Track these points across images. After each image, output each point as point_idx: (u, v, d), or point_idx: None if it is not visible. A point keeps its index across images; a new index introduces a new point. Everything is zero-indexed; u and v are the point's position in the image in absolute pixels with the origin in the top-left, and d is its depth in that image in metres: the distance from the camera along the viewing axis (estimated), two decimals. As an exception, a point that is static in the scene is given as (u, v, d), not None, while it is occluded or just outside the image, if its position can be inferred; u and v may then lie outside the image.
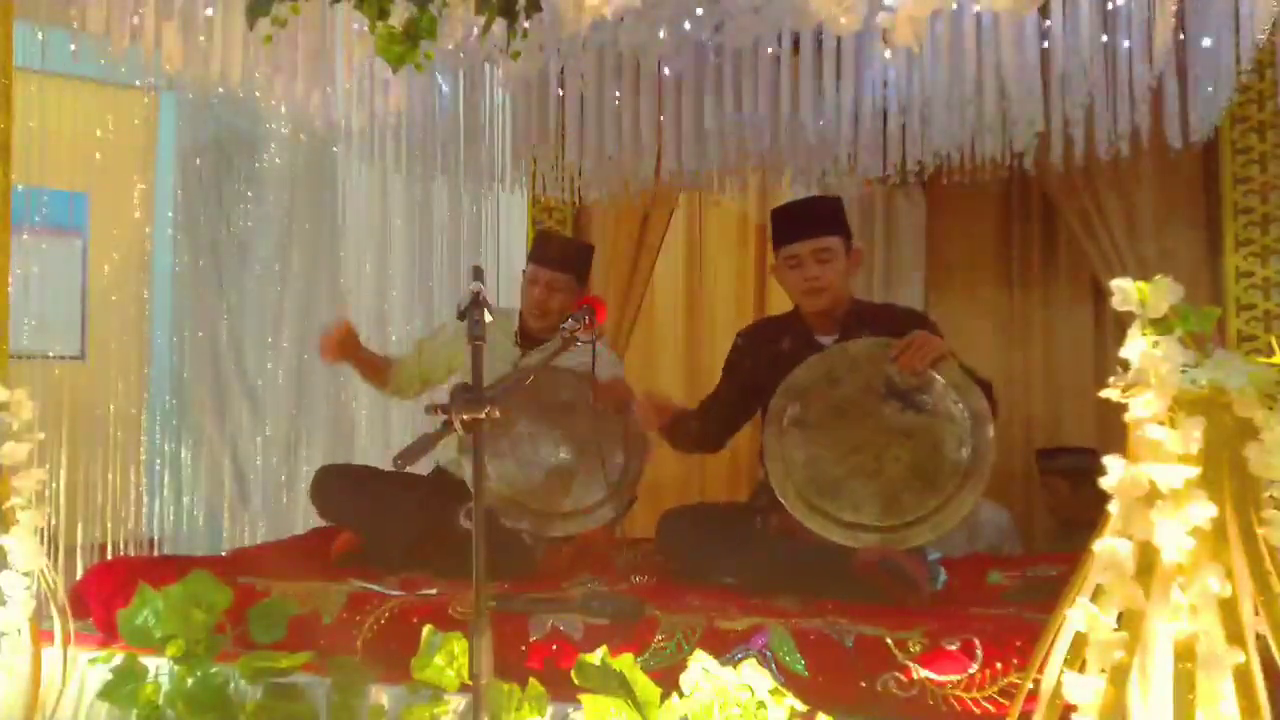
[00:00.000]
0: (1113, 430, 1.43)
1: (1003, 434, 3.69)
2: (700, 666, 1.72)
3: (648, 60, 2.55)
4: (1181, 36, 2.27)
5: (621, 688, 1.73)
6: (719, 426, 2.75)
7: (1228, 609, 1.32)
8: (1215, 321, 1.41)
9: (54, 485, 3.50)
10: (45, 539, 2.08)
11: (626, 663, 1.78)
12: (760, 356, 2.67)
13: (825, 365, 2.46)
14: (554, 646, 1.99)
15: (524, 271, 2.93)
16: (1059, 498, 3.44)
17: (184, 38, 2.11)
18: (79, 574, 3.13)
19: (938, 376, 2.34)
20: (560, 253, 2.90)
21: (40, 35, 2.55)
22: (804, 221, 2.59)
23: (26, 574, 1.99)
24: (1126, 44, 2.21)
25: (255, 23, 1.96)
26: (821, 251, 2.55)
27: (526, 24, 1.85)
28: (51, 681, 2.03)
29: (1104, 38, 2.22)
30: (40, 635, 2.02)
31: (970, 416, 2.31)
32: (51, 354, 3.71)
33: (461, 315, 1.67)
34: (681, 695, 1.71)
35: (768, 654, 1.87)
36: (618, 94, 2.76)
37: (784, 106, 2.61)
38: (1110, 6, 2.15)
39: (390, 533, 2.59)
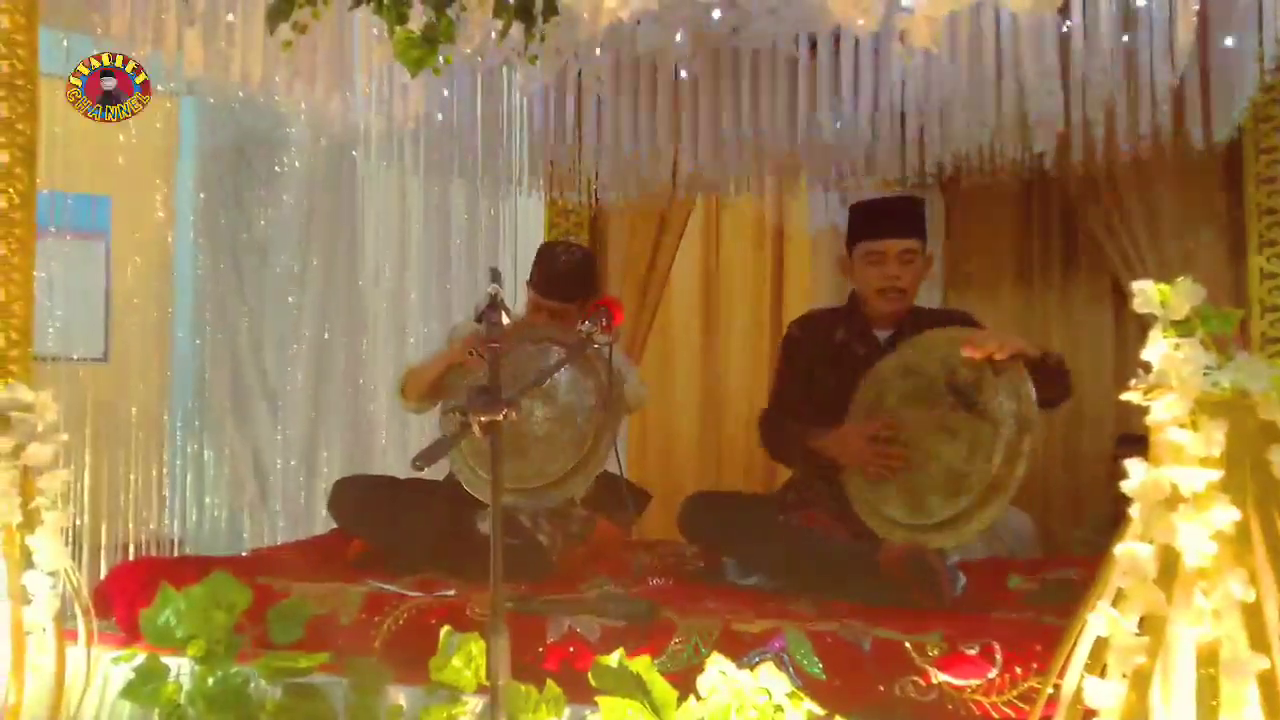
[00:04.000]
0: (1133, 433, 1.42)
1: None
2: (717, 669, 1.72)
3: (665, 63, 2.55)
4: (1204, 35, 2.25)
5: (638, 690, 1.73)
6: (795, 422, 2.61)
7: (1251, 614, 1.31)
8: (1238, 323, 1.40)
9: (78, 486, 3.53)
10: (70, 539, 2.11)
11: (643, 665, 1.78)
12: (815, 347, 2.64)
13: (904, 356, 2.43)
14: (571, 648, 1.99)
15: (528, 286, 2.82)
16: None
17: (205, 43, 2.13)
18: (103, 574, 3.17)
19: (993, 376, 2.23)
20: (568, 283, 2.73)
21: (65, 41, 2.59)
22: (894, 219, 2.56)
23: (51, 573, 2.01)
24: (1148, 43, 2.19)
25: (275, 28, 1.98)
26: (906, 253, 2.52)
27: (544, 27, 1.85)
28: (75, 680, 2.05)
29: (1125, 37, 2.20)
30: (65, 634, 2.04)
31: (1016, 425, 2.19)
32: (75, 356, 3.74)
33: (479, 318, 1.68)
34: (698, 698, 1.71)
35: (785, 657, 1.86)
36: (635, 97, 2.77)
37: (801, 108, 2.61)
38: (1131, 6, 2.13)
39: (409, 540, 2.60)
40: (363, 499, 2.78)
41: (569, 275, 2.77)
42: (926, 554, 2.23)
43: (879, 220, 2.57)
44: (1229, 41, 2.26)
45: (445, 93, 2.83)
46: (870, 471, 2.36)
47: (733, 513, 2.54)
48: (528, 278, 2.87)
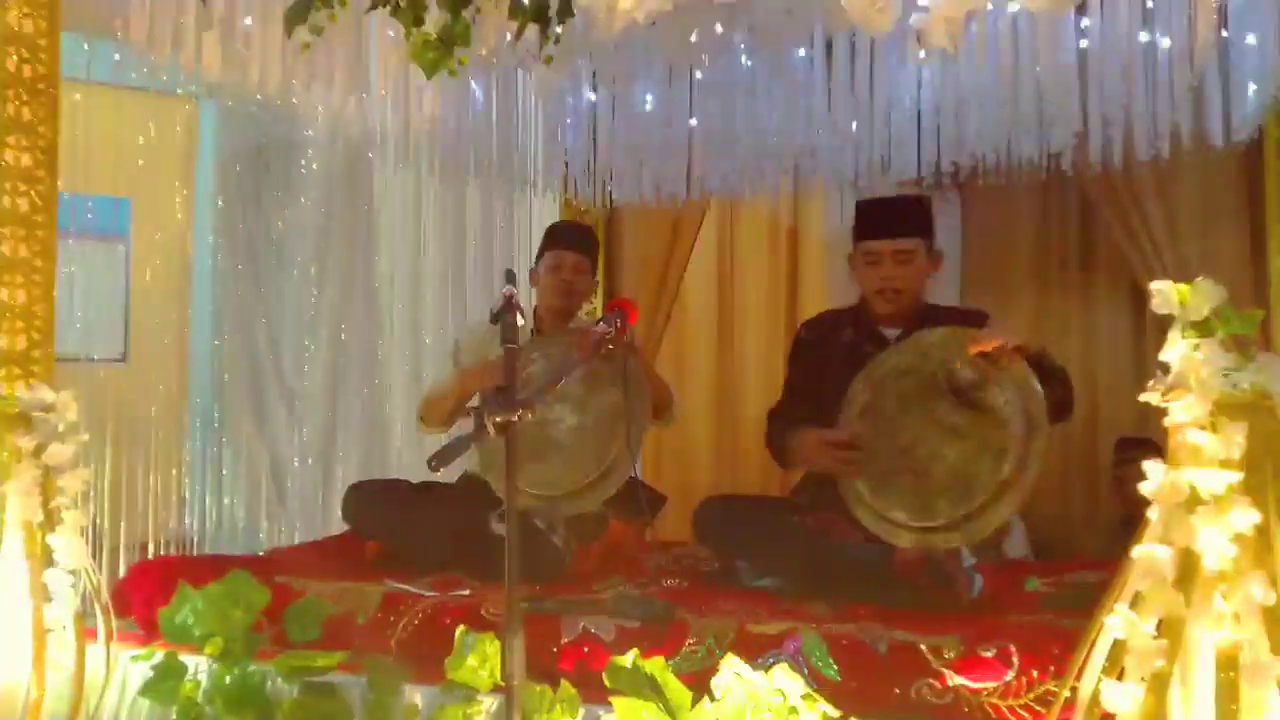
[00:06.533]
0: (1152, 433, 1.41)
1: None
2: (732, 670, 1.72)
3: (679, 64, 2.55)
4: (1224, 33, 2.23)
5: (653, 690, 1.74)
6: (795, 423, 2.59)
7: (1272, 617, 1.29)
8: (1258, 324, 1.39)
9: (98, 485, 3.56)
10: (89, 538, 2.13)
11: (658, 665, 1.78)
12: (825, 348, 2.63)
13: (900, 355, 2.40)
14: (585, 648, 2.00)
15: (538, 261, 2.91)
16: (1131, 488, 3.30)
17: (224, 46, 2.15)
18: (122, 573, 3.20)
19: (997, 373, 2.19)
20: (581, 236, 2.98)
21: (86, 46, 2.61)
22: (888, 219, 2.55)
23: (71, 572, 2.03)
24: (1166, 42, 2.17)
25: (293, 31, 2.00)
26: (901, 253, 2.51)
27: (559, 29, 1.86)
28: (95, 677, 2.07)
29: (1143, 35, 2.18)
30: (84, 632, 2.06)
31: (1024, 424, 2.16)
32: (95, 357, 3.78)
33: (495, 319, 1.69)
34: (713, 699, 1.71)
35: (800, 659, 1.86)
36: (649, 98, 2.77)
37: (817, 109, 2.60)
38: (1149, 4, 2.11)
39: (423, 542, 2.61)
40: (376, 503, 2.80)
41: (580, 227, 3.12)
42: (942, 557, 2.21)
43: (877, 221, 2.56)
44: (1249, 39, 2.23)
45: (461, 94, 2.84)
46: (837, 473, 2.35)
47: (747, 516, 2.53)
48: (537, 256, 2.94)
